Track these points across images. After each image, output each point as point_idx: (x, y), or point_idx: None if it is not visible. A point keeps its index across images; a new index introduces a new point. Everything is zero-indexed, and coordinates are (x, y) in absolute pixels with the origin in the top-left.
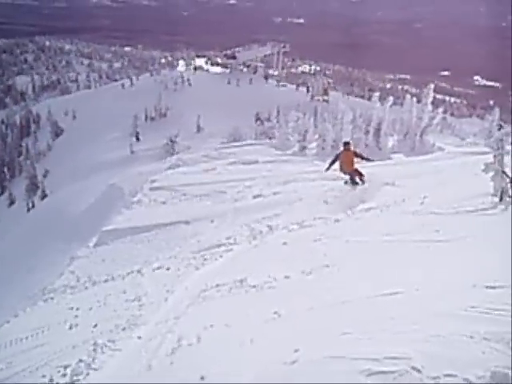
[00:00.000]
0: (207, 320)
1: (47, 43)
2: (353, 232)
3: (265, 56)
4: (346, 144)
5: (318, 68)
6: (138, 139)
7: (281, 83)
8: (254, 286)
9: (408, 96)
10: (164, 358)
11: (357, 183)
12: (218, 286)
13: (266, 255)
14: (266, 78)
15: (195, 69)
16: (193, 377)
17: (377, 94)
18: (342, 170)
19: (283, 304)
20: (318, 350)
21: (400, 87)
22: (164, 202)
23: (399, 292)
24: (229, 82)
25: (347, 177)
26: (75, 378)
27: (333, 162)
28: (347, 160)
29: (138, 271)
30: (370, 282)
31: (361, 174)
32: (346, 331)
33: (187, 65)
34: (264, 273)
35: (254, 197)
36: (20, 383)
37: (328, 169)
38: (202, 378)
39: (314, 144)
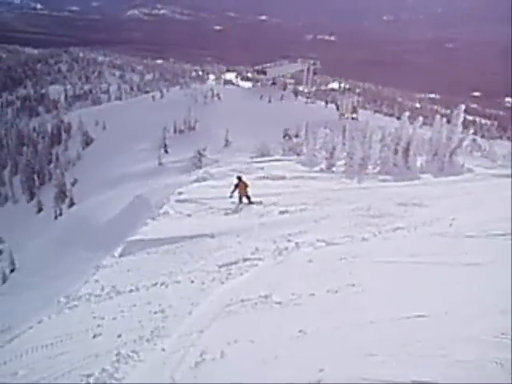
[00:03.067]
0: (231, 335)
1: (81, 54)
2: (380, 252)
3: (295, 72)
4: (239, 178)
5: (348, 86)
6: (166, 151)
7: (310, 100)
8: (279, 303)
9: (438, 116)
10: (187, 372)
11: (248, 202)
12: (242, 301)
13: (291, 272)
14: (296, 94)
15: (225, 83)
16: None
17: (407, 113)
18: (240, 193)
19: (308, 322)
20: (342, 371)
21: (430, 107)
22: (190, 215)
23: (426, 315)
24: (261, 98)
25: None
26: None
27: (234, 190)
28: (242, 187)
29: (163, 283)
30: (396, 303)
31: (249, 198)
32: (371, 353)
33: (217, 79)
34: (289, 290)
35: (281, 212)
36: None
37: (232, 192)
38: None
39: (342, 162)
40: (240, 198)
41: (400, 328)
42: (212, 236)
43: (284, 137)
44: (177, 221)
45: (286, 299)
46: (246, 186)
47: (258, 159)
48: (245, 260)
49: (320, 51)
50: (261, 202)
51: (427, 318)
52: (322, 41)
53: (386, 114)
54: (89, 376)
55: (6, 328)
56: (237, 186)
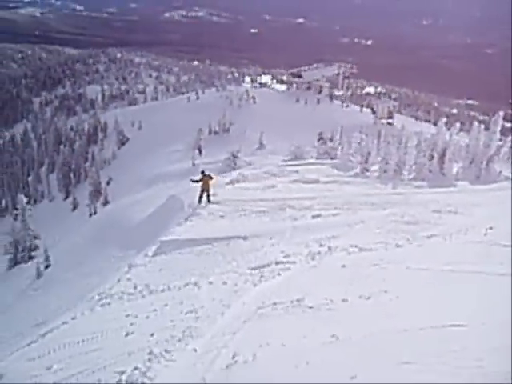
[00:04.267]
0: (263, 338)
1: (118, 55)
2: (414, 259)
3: (330, 76)
4: (203, 172)
5: (384, 90)
6: (200, 152)
7: (345, 104)
8: (311, 307)
9: (475, 123)
10: (219, 373)
11: (205, 201)
12: (275, 304)
13: (323, 276)
14: (331, 98)
15: (260, 86)
16: None
17: (443, 119)
18: (202, 188)
19: (341, 327)
20: (375, 378)
21: (467, 113)
22: (223, 216)
23: (461, 325)
24: (297, 101)
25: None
26: None
27: (198, 181)
28: (205, 182)
29: (195, 283)
30: (431, 311)
31: (208, 195)
32: (405, 360)
33: (253, 81)
34: (321, 294)
35: (314, 216)
36: None
37: (195, 181)
38: None
39: (377, 167)
40: (200, 198)
41: (435, 337)
42: (245, 238)
43: (318, 140)
44: (210, 222)
45: (319, 304)
46: (210, 178)
47: (292, 162)
48: (277, 263)
49: (356, 55)
50: (218, 203)
51: (463, 328)
52: (358, 44)
53: (422, 120)
54: (122, 373)
55: (40, 322)
56: (201, 180)
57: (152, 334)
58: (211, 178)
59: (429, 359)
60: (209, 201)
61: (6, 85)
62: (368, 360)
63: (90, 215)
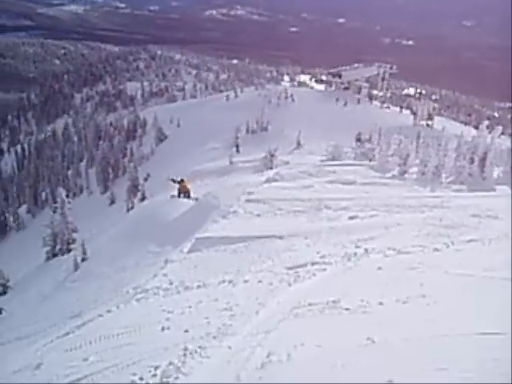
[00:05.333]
0: (298, 338)
1: (159, 52)
2: (452, 263)
3: (370, 76)
4: (182, 180)
5: (424, 91)
6: (237, 151)
7: (384, 105)
8: (347, 309)
9: None
10: (253, 372)
11: (185, 197)
12: (310, 304)
13: (360, 278)
14: (370, 98)
15: (299, 85)
16: None
17: (485, 121)
18: (180, 191)
19: (377, 330)
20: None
21: (509, 116)
22: (259, 215)
23: (501, 333)
24: (336, 101)
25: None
26: (165, 379)
27: (177, 183)
28: (184, 186)
29: (230, 281)
30: (469, 318)
31: (189, 195)
32: (442, 367)
33: (291, 80)
34: (358, 296)
35: (350, 217)
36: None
37: (171, 180)
38: None
39: (415, 169)
40: (179, 194)
41: (474, 344)
42: (281, 237)
43: (356, 141)
44: (246, 220)
45: (355, 306)
46: (185, 185)
47: (330, 162)
48: (313, 263)
49: (397, 55)
50: (196, 199)
51: (503, 336)
52: (399, 45)
53: (462, 122)
54: (156, 368)
55: (76, 314)
56: (179, 182)
57: (187, 330)
58: (182, 180)
59: (467, 366)
60: (188, 196)
61: (49, 80)
62: (404, 365)
63: (127, 210)
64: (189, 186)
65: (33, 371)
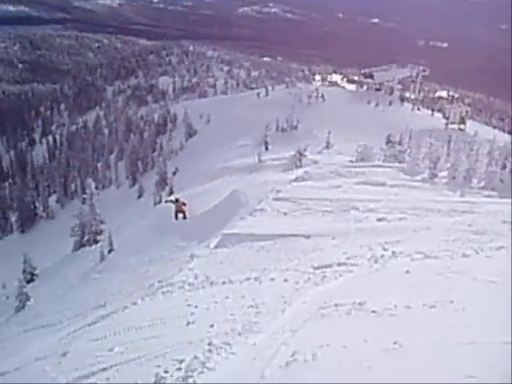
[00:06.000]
0: (324, 338)
1: (191, 48)
2: (481, 270)
3: (403, 78)
4: (177, 199)
5: (457, 95)
6: (266, 148)
7: (416, 107)
8: (374, 312)
9: None
10: (277, 370)
11: (183, 217)
12: (336, 305)
13: (387, 281)
14: (402, 100)
15: (330, 84)
16: None
17: None
18: (177, 209)
19: (404, 334)
20: None
21: None
22: (286, 214)
23: None
24: (368, 102)
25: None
26: (189, 373)
27: (173, 202)
28: (179, 206)
29: (256, 278)
30: (498, 325)
31: (185, 215)
32: (470, 374)
33: (323, 80)
34: (385, 299)
35: (378, 219)
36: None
37: (168, 202)
38: None
39: (445, 173)
40: (176, 215)
41: (502, 353)
42: (307, 237)
43: (387, 143)
44: (273, 218)
45: (382, 309)
46: (183, 204)
47: (359, 163)
48: (340, 264)
49: (430, 57)
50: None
51: None
52: (433, 47)
53: (495, 127)
54: (181, 361)
55: (101, 305)
56: (175, 202)
57: (212, 325)
58: (184, 204)
59: (495, 376)
60: (185, 217)
61: (82, 73)
62: (431, 370)
63: (155, 204)
64: (185, 207)
65: (59, 359)
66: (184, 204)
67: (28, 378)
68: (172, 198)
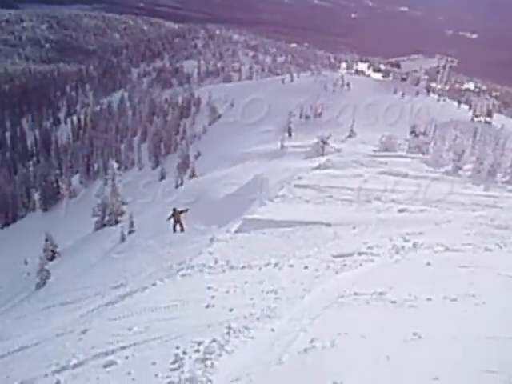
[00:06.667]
0: (342, 326)
1: (217, 31)
2: (504, 265)
3: (429, 68)
4: (175, 209)
5: (485, 87)
6: (290, 135)
7: (442, 98)
8: (394, 302)
9: None
10: (296, 356)
11: (179, 230)
12: (356, 294)
13: (407, 272)
14: (428, 91)
15: (356, 73)
16: (324, 381)
17: None
18: (175, 221)
19: (423, 326)
20: (459, 383)
21: None
22: (308, 201)
23: None
24: (395, 92)
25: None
26: (208, 355)
27: (170, 217)
28: (177, 216)
29: (276, 264)
30: None
31: (182, 227)
32: (490, 369)
33: (349, 68)
34: (405, 290)
35: (400, 210)
36: None
37: (169, 219)
38: None
39: (470, 166)
40: (174, 227)
41: None
42: (328, 225)
43: (411, 133)
44: (294, 205)
45: (402, 299)
46: (180, 212)
47: (382, 153)
48: (360, 253)
49: (459, 48)
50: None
51: None
52: (462, 38)
53: None
54: (200, 343)
55: (120, 285)
56: (173, 215)
57: (231, 309)
58: (181, 212)
59: None
60: (182, 230)
61: (108, 54)
62: (451, 363)
63: (176, 187)
64: (183, 214)
65: (78, 335)
66: (181, 212)
67: (48, 354)
68: (169, 213)
